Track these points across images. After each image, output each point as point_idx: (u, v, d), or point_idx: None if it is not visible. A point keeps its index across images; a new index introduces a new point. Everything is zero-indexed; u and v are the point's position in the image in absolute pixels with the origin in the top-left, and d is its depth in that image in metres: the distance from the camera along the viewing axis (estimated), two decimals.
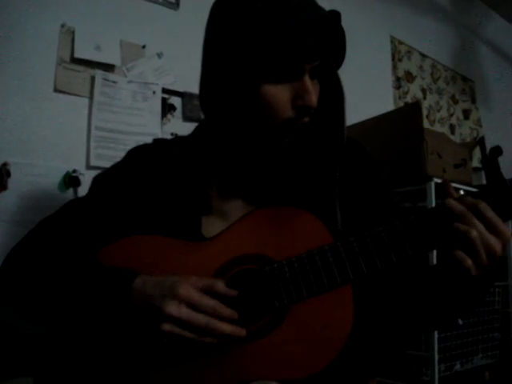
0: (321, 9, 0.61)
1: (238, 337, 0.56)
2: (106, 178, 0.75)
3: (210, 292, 0.57)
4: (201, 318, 0.55)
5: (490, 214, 0.55)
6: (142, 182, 0.71)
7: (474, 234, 0.54)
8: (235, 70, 0.61)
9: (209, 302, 0.56)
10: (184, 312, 0.54)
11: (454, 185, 0.61)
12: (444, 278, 0.62)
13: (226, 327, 0.55)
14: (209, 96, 0.68)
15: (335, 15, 0.62)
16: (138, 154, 0.76)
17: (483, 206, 0.55)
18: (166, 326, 0.54)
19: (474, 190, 0.57)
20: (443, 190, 0.60)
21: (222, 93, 0.64)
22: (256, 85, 0.60)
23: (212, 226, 0.65)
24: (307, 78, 0.61)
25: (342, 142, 0.67)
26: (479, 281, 0.58)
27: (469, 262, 0.54)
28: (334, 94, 0.67)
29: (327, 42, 0.61)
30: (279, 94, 0.61)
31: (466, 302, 0.63)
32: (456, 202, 0.57)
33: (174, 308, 0.54)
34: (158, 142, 0.79)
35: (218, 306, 0.56)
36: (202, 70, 0.68)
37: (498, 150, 0.60)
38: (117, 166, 0.76)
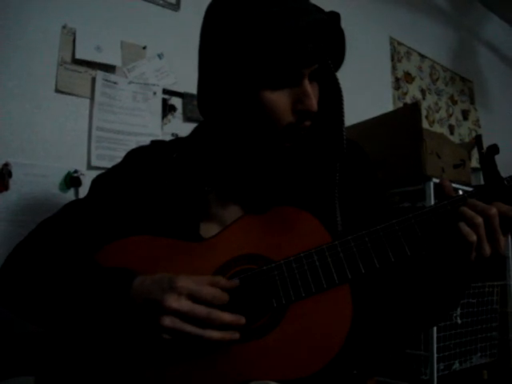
0: (319, 12, 0.61)
1: (239, 325, 0.56)
2: (105, 180, 0.75)
3: (210, 285, 0.57)
4: (201, 309, 0.55)
5: (496, 224, 0.55)
6: (141, 185, 0.71)
7: (474, 238, 0.55)
8: (233, 77, 0.61)
9: (209, 290, 0.56)
10: (184, 304, 0.54)
11: (453, 185, 0.61)
12: (439, 262, 0.62)
13: (227, 316, 0.55)
14: (207, 102, 0.68)
15: (334, 17, 0.62)
16: (136, 156, 0.76)
17: (494, 212, 0.55)
18: (167, 320, 0.54)
19: (471, 190, 0.57)
20: (441, 190, 0.61)
21: (220, 100, 0.65)
22: (255, 92, 0.60)
23: (210, 232, 0.65)
24: (306, 83, 0.61)
25: (342, 143, 0.67)
26: (474, 269, 0.59)
27: (474, 237, 0.55)
28: (332, 96, 0.67)
29: (325, 45, 0.61)
30: (279, 100, 0.60)
31: (457, 288, 0.64)
32: (468, 209, 0.56)
33: (173, 300, 0.54)
34: (156, 144, 0.78)
35: (218, 294, 0.56)
36: (199, 76, 0.69)
37: (494, 149, 0.60)
38: (116, 168, 0.77)
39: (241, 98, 0.62)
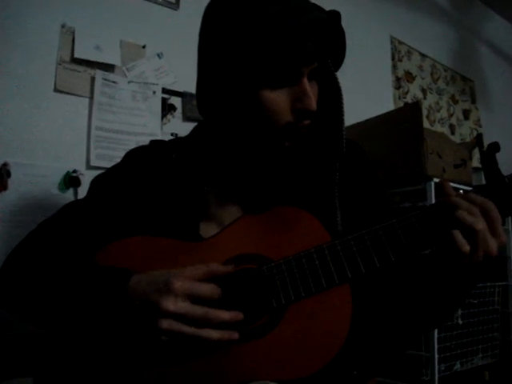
0: (318, 11, 0.61)
1: (237, 321, 0.56)
2: (104, 180, 0.75)
3: (206, 275, 0.57)
4: (199, 309, 0.54)
5: (496, 214, 0.55)
6: (140, 185, 0.71)
7: (480, 226, 0.54)
8: (233, 76, 0.61)
9: (205, 288, 0.56)
10: (181, 306, 0.54)
11: (453, 185, 0.61)
12: (436, 264, 0.62)
13: (225, 314, 0.55)
14: (206, 101, 0.68)
15: (335, 16, 0.62)
16: (135, 157, 0.76)
17: (490, 204, 0.55)
18: (164, 323, 0.53)
19: (472, 189, 0.58)
20: (442, 190, 0.60)
21: (219, 99, 0.64)
22: (254, 91, 0.60)
23: (210, 232, 0.65)
24: (306, 81, 0.60)
25: (342, 142, 0.67)
26: (468, 272, 0.60)
27: (467, 247, 0.55)
28: (332, 95, 0.67)
29: (325, 44, 0.61)
30: (278, 98, 0.60)
31: (455, 291, 0.63)
32: (461, 198, 0.57)
33: (170, 303, 0.53)
34: (155, 144, 0.78)
35: (216, 289, 0.56)
36: (198, 75, 0.68)
37: (495, 147, 0.60)
38: (115, 168, 0.77)
39: (240, 96, 0.62)
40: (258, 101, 0.60)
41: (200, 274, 0.57)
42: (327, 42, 0.61)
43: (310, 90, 0.60)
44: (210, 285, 0.56)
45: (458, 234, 0.55)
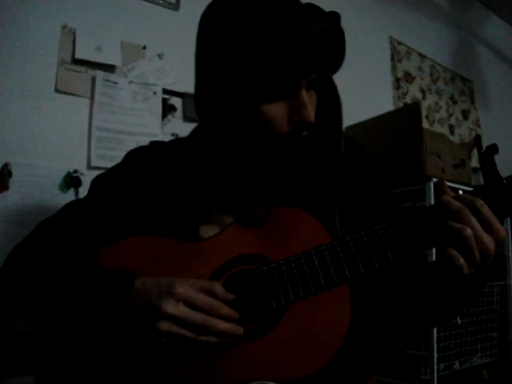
0: (316, 20, 0.60)
1: (235, 335, 0.56)
2: (104, 181, 0.75)
3: (208, 293, 0.57)
4: (198, 317, 0.55)
5: (486, 211, 0.54)
6: (141, 186, 0.71)
7: (468, 232, 0.53)
8: (229, 89, 0.60)
9: (206, 299, 0.56)
10: (181, 310, 0.54)
11: (453, 185, 0.61)
12: (439, 276, 0.61)
13: (224, 325, 0.55)
14: (204, 108, 0.68)
15: (334, 17, 0.61)
16: (136, 157, 0.76)
17: (480, 203, 0.55)
18: (164, 325, 0.54)
19: (471, 189, 0.58)
20: (439, 190, 0.60)
21: (217, 109, 0.64)
22: (252, 103, 0.60)
23: (210, 234, 0.65)
24: (304, 93, 0.60)
25: (340, 148, 0.66)
26: (472, 279, 0.58)
27: (461, 260, 0.54)
28: (330, 101, 0.66)
29: (322, 55, 0.60)
30: (276, 111, 0.60)
31: (459, 300, 0.63)
32: (452, 198, 0.56)
33: (171, 306, 0.54)
34: (155, 145, 0.78)
35: (216, 304, 0.56)
36: (196, 82, 0.68)
37: (493, 148, 0.60)
38: (115, 169, 0.77)
39: (237, 108, 0.61)
40: (255, 113, 0.60)
41: (202, 287, 0.57)
42: (325, 52, 0.60)
43: (308, 100, 0.60)
44: (210, 299, 0.56)
45: (450, 249, 0.54)
